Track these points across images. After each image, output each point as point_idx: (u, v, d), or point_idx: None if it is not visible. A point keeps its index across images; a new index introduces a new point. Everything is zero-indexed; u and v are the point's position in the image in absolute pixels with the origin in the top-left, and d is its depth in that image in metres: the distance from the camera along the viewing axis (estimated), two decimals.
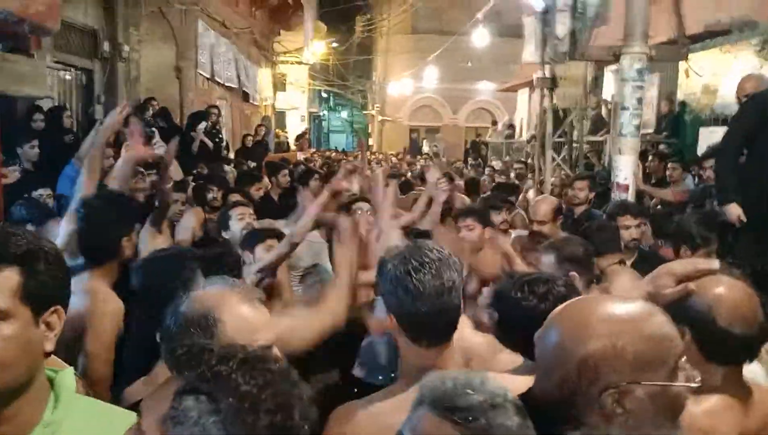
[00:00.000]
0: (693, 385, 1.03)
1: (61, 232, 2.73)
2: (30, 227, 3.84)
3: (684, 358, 1.05)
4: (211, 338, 1.32)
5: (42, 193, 4.49)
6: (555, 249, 2.75)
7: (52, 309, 1.15)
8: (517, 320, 1.72)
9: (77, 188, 2.99)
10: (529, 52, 7.83)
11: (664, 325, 1.05)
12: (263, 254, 3.23)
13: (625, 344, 1.00)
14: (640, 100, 5.24)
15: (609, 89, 11.14)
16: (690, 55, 7.69)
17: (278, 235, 3.13)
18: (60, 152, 5.66)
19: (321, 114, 30.67)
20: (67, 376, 1.22)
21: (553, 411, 1.06)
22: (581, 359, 1.02)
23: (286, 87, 20.34)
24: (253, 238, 3.12)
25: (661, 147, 8.83)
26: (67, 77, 7.28)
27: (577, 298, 1.26)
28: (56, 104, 6.49)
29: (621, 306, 1.07)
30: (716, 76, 8.60)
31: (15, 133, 5.01)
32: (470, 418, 0.99)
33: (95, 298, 2.28)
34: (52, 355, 1.76)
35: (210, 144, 8.72)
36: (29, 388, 1.12)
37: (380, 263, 1.54)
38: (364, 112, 29.40)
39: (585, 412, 1.02)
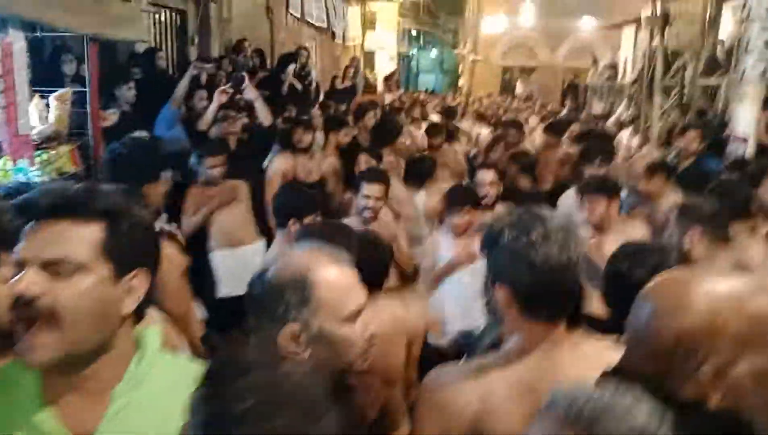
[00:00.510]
0: None
1: None
2: None
3: None
4: (304, 303, 1.28)
5: (138, 135, 4.59)
6: (680, 207, 2.61)
7: (134, 272, 1.14)
8: (625, 292, 1.60)
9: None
10: None
11: (766, 303, 1.00)
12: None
13: (726, 320, 0.98)
14: (767, 44, 4.69)
15: (726, 28, 10.15)
16: None
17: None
18: (156, 94, 5.79)
19: (410, 54, 30.06)
20: (152, 334, 1.23)
21: (645, 385, 0.98)
22: (680, 331, 0.99)
23: (376, 26, 19.96)
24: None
25: None
26: (162, 18, 7.37)
27: (676, 270, 1.17)
28: (151, 46, 6.60)
29: (724, 281, 1.05)
30: None
31: (114, 77, 5.14)
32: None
33: None
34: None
35: (299, 86, 8.68)
36: (109, 349, 1.13)
37: (490, 231, 1.40)
38: (455, 51, 28.52)
39: (679, 387, 1.00)
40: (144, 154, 2.63)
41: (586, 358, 1.35)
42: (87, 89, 3.80)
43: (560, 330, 1.39)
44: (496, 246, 1.37)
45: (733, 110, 4.86)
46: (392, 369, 2.04)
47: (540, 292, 1.34)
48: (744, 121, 4.69)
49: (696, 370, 0.98)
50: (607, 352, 1.41)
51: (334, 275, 1.32)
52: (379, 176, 3.55)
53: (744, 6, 4.84)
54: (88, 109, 3.84)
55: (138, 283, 1.14)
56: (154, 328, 1.24)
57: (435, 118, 9.41)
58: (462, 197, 3.49)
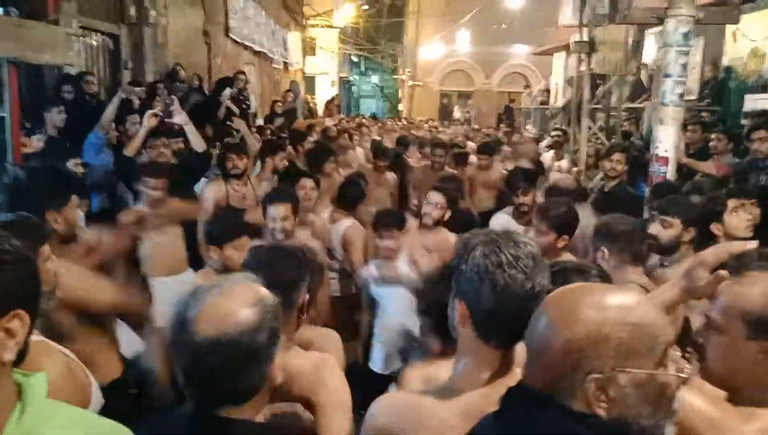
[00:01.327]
0: (682, 375, 1.03)
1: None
2: None
3: (673, 349, 1.04)
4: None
5: (72, 162, 4.45)
6: (597, 224, 2.67)
7: (13, 313, 1.02)
8: None
9: None
10: (567, 14, 7.49)
11: (650, 314, 1.04)
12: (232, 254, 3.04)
13: (609, 330, 0.99)
14: (684, 67, 4.94)
15: (650, 53, 10.67)
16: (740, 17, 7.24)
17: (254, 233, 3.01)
18: (84, 119, 5.61)
19: (351, 79, 30.31)
20: (38, 381, 1.09)
21: (541, 397, 1.05)
22: (566, 342, 1.01)
23: (316, 51, 20.07)
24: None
25: (703, 115, 8.43)
26: (93, 43, 7.19)
27: (569, 284, 1.18)
28: (81, 70, 6.42)
29: (610, 293, 1.07)
30: (767, 40, 8.14)
31: (40, 101, 4.97)
32: None
33: None
34: (44, 339, 1.71)
35: (237, 110, 8.60)
36: None
37: (463, 244, 1.38)
38: (395, 76, 28.94)
39: (570, 398, 1.02)
40: (47, 180, 2.49)
41: None
42: (6, 114, 3.65)
43: (507, 361, 1.38)
44: (464, 261, 1.35)
45: (654, 132, 5.07)
46: None
47: (496, 316, 1.32)
48: (665, 142, 4.90)
49: (583, 380, 0.99)
50: None
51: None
52: (283, 196, 3.49)
53: (663, 32, 5.09)
54: (7, 136, 3.68)
55: (17, 325, 1.03)
56: (39, 376, 1.11)
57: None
58: (387, 220, 3.53)
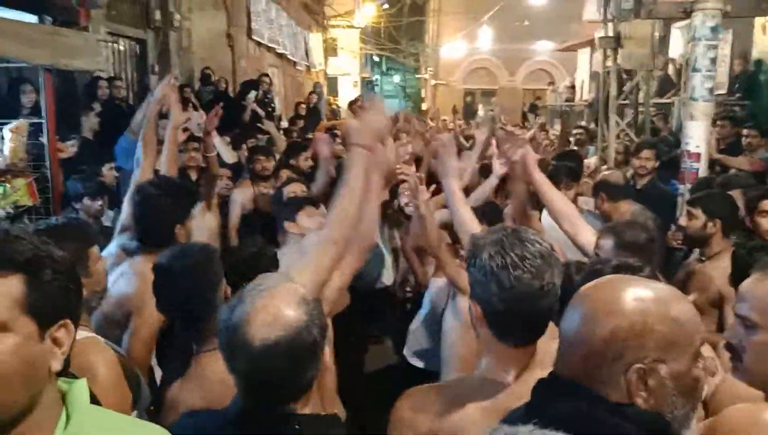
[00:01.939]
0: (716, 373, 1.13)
1: (123, 212, 2.76)
2: (86, 201, 3.90)
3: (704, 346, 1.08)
4: None
5: (107, 167, 4.53)
6: (614, 234, 2.52)
7: (60, 323, 1.05)
8: None
9: (136, 167, 3.01)
10: (591, 9, 7.41)
11: (689, 309, 1.06)
12: (306, 222, 3.20)
13: (653, 323, 1.02)
14: (713, 61, 4.86)
15: (677, 47, 10.52)
16: None
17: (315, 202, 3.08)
18: (116, 123, 5.72)
19: (373, 79, 30.36)
20: (80, 389, 1.11)
21: (576, 388, 1.07)
22: (610, 332, 1.03)
23: (338, 52, 20.15)
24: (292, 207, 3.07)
25: (733, 110, 8.29)
26: (121, 48, 7.33)
27: (608, 276, 1.22)
28: (110, 75, 6.55)
29: (652, 286, 1.09)
30: None
31: (73, 108, 5.08)
32: None
33: (145, 282, 2.26)
34: (95, 336, 1.76)
35: (262, 113, 8.69)
36: (34, 409, 1.02)
37: (473, 245, 1.41)
38: (417, 76, 28.92)
39: (605, 389, 1.03)
40: (175, 192, 2.59)
41: None
42: (43, 120, 3.74)
43: (529, 354, 1.39)
44: (475, 261, 1.38)
45: (685, 128, 5.00)
46: None
47: (508, 316, 1.34)
48: (695, 137, 4.83)
49: (624, 372, 1.01)
50: None
51: None
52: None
53: (690, 26, 5.02)
54: (45, 141, 3.77)
55: (64, 334, 1.05)
56: (80, 383, 1.13)
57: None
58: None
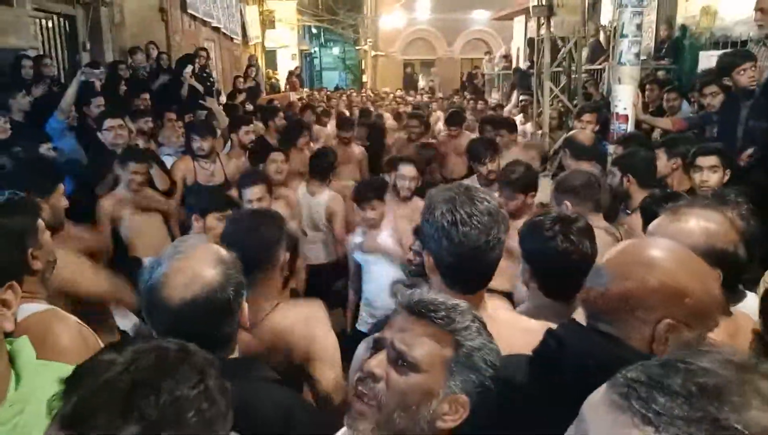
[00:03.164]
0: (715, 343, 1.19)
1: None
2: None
3: None
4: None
5: (44, 147, 4.41)
6: (555, 181, 2.82)
7: (6, 286, 1.09)
8: (557, 263, 1.83)
9: None
10: None
11: (720, 293, 1.19)
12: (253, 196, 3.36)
13: (695, 291, 1.13)
14: (639, 27, 5.10)
15: (607, 15, 10.85)
16: None
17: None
18: (46, 102, 5.55)
19: (312, 51, 29.97)
20: (24, 347, 1.14)
21: (596, 315, 1.19)
22: (659, 284, 1.13)
23: (275, 24, 19.80)
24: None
25: (660, 74, 8.66)
26: (50, 25, 7.05)
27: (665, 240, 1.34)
28: (39, 53, 6.30)
29: (700, 261, 1.21)
30: None
31: (1, 88, 4.90)
32: (434, 312, 1.14)
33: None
34: (53, 307, 1.79)
35: (200, 87, 8.53)
36: None
37: (428, 203, 1.52)
38: (357, 47, 28.72)
39: (629, 333, 1.14)
40: (33, 168, 2.53)
41: (504, 325, 1.49)
42: None
43: (478, 300, 1.52)
44: (428, 216, 1.50)
45: (613, 91, 5.24)
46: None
47: (457, 267, 1.47)
48: (624, 101, 5.08)
49: (656, 322, 1.13)
50: (521, 320, 1.60)
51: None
52: (254, 178, 3.60)
53: None
54: None
55: (11, 295, 1.08)
56: (21, 340, 1.15)
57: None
58: (367, 192, 3.62)
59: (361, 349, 1.59)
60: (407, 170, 4.03)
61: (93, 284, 2.30)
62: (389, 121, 8.93)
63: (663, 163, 3.64)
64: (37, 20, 6.36)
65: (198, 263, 1.34)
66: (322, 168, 4.54)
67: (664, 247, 1.21)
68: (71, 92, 5.09)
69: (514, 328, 1.51)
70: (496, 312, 1.57)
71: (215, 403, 0.79)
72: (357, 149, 6.22)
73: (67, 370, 1.18)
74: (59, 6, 7.18)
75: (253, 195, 3.45)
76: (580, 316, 1.56)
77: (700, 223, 1.57)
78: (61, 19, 7.33)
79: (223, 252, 1.40)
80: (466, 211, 1.44)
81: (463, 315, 1.17)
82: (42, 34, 6.76)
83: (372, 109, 10.50)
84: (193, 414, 0.75)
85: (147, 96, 6.88)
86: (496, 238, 1.45)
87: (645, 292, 1.14)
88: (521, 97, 9.09)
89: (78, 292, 2.31)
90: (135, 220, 3.91)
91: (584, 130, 4.65)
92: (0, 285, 1.07)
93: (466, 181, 4.60)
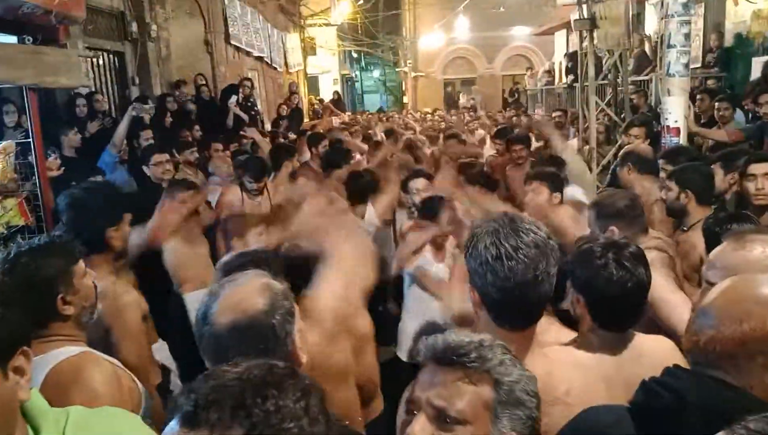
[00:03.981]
0: None
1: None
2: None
3: None
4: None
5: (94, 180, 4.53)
6: (595, 205, 2.70)
7: (18, 353, 1.05)
8: (612, 293, 1.70)
9: None
10: None
11: None
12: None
13: None
14: (687, 36, 4.95)
15: (652, 24, 10.63)
16: None
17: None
18: (96, 138, 5.74)
19: (353, 75, 30.33)
20: (34, 397, 1.11)
21: (707, 361, 1.09)
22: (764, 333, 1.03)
23: (316, 50, 20.12)
24: None
25: (710, 82, 8.40)
26: (100, 62, 7.31)
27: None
28: (91, 90, 6.54)
29: None
30: None
31: (53, 126, 5.08)
32: (464, 356, 1.08)
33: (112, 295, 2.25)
34: (90, 350, 1.79)
35: (245, 117, 8.70)
36: None
37: (471, 235, 1.45)
38: (397, 69, 28.93)
39: (748, 380, 1.04)
40: (104, 197, 2.56)
41: (557, 363, 1.44)
42: (30, 139, 3.75)
43: (528, 337, 1.45)
44: (472, 250, 1.43)
45: (663, 103, 5.09)
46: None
47: (503, 303, 1.40)
48: (674, 113, 4.92)
49: (763, 364, 1.02)
50: (574, 355, 1.52)
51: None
52: None
53: (662, 3, 5.10)
54: (34, 160, 3.78)
55: (24, 362, 1.05)
56: (32, 392, 1.12)
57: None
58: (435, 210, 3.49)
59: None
60: (419, 183, 3.99)
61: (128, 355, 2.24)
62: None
63: (720, 178, 3.47)
64: (89, 58, 6.60)
65: (244, 290, 1.35)
66: (358, 189, 4.50)
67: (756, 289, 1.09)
68: (123, 127, 5.25)
69: (568, 365, 1.43)
70: (549, 348, 1.50)
71: (317, 423, 0.83)
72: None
73: (74, 411, 1.19)
74: (108, 43, 7.44)
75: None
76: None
77: (766, 252, 1.46)
78: (111, 56, 7.59)
79: (273, 281, 1.40)
80: (511, 244, 1.36)
81: (493, 350, 1.11)
82: (93, 71, 7.01)
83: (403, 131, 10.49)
84: (294, 425, 0.80)
85: (198, 128, 7.07)
86: (544, 273, 1.37)
87: (765, 334, 1.03)
88: (554, 114, 8.93)
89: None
90: (179, 250, 3.93)
91: (641, 144, 4.51)
92: (13, 353, 1.03)
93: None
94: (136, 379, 1.92)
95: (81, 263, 1.88)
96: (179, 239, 3.93)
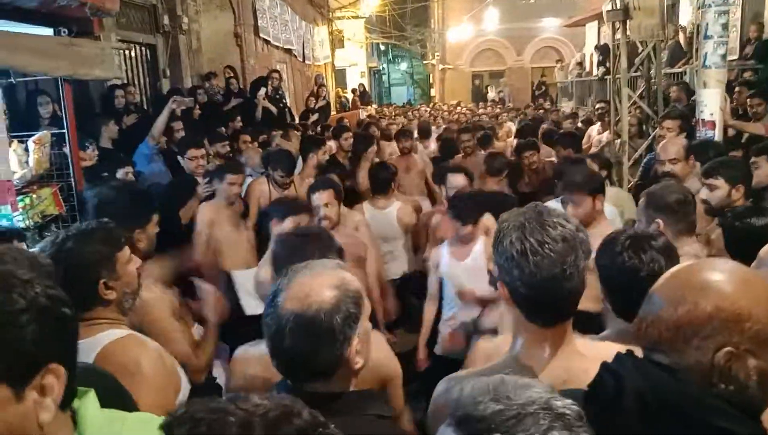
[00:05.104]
0: None
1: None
2: None
3: None
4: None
5: (123, 172, 4.60)
6: (647, 194, 2.65)
7: (42, 371, 0.93)
8: (624, 280, 1.73)
9: None
10: None
11: None
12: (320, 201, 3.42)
13: (758, 314, 1.02)
14: (724, 27, 4.83)
15: (686, 14, 10.38)
16: None
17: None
18: (133, 129, 5.83)
19: (381, 68, 30.30)
20: (88, 404, 1.05)
21: (651, 345, 1.10)
22: (714, 308, 1.03)
23: (344, 43, 20.14)
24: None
25: (746, 75, 8.18)
26: (132, 54, 7.40)
27: (725, 260, 1.23)
28: (123, 82, 6.63)
29: (762, 280, 1.11)
30: None
31: (88, 117, 5.17)
32: (487, 433, 0.85)
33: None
34: (133, 332, 1.82)
35: (274, 109, 8.75)
36: None
37: (498, 230, 1.42)
38: (425, 62, 28.82)
39: (687, 363, 1.05)
40: (131, 198, 2.58)
41: (595, 362, 1.40)
42: (65, 130, 3.82)
43: (561, 333, 1.42)
44: (499, 245, 1.40)
45: (698, 96, 4.97)
46: None
47: (532, 299, 1.37)
48: (710, 106, 4.81)
49: (714, 351, 1.03)
50: (611, 350, 1.48)
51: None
52: (325, 184, 3.63)
53: None
54: (68, 150, 3.85)
55: (52, 380, 0.94)
56: (88, 397, 1.07)
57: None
58: (468, 211, 3.46)
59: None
60: (458, 179, 3.95)
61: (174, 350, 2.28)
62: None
63: (765, 172, 3.35)
64: (122, 51, 6.70)
65: (318, 282, 1.34)
66: (381, 181, 4.53)
67: (721, 269, 1.10)
68: (162, 119, 5.31)
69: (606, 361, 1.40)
70: (585, 346, 1.46)
71: None
72: (419, 159, 6.17)
73: (130, 419, 1.17)
74: (141, 36, 7.53)
75: (320, 200, 3.51)
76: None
77: None
78: (143, 48, 7.68)
79: (349, 279, 1.39)
80: (537, 239, 1.33)
81: (535, 421, 0.85)
82: (125, 63, 7.10)
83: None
84: None
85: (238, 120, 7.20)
86: (573, 266, 1.33)
87: (699, 318, 1.04)
88: (597, 105, 8.79)
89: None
90: (226, 232, 4.05)
91: (676, 137, 4.38)
92: (35, 373, 0.93)
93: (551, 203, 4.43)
94: (176, 362, 1.96)
95: (126, 250, 1.92)
96: (225, 224, 4.07)
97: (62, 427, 1.00)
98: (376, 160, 5.89)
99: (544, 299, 1.36)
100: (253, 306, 3.72)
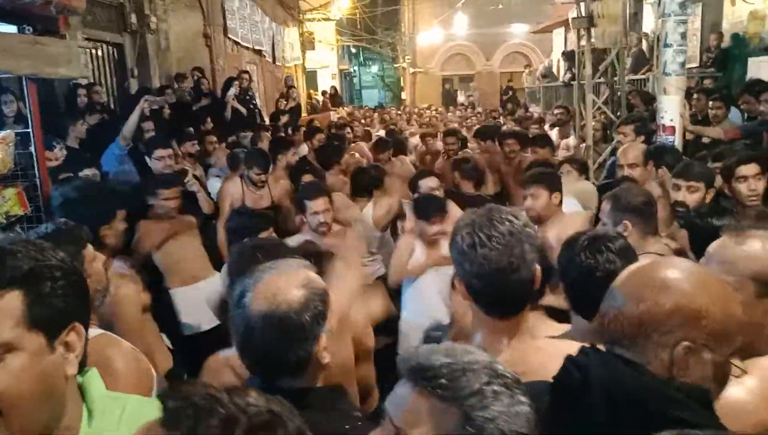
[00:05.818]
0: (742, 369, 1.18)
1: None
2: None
3: None
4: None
5: (88, 172, 4.54)
6: (612, 197, 2.72)
7: (68, 328, 1.05)
8: (581, 279, 1.79)
9: None
10: None
11: (739, 309, 1.14)
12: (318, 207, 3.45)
13: (714, 311, 1.09)
14: (683, 35, 4.99)
15: (649, 23, 10.65)
16: None
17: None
18: (99, 129, 5.75)
19: (351, 70, 30.31)
20: (94, 380, 1.13)
21: (612, 339, 1.15)
22: (674, 305, 1.09)
23: (315, 45, 20.11)
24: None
25: (706, 82, 8.43)
26: (99, 53, 7.31)
27: (680, 259, 1.30)
28: (90, 81, 6.54)
29: (719, 279, 1.19)
30: (766, 2, 8.13)
31: (53, 116, 5.10)
32: (434, 380, 0.98)
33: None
34: (105, 332, 1.82)
35: (243, 110, 8.71)
36: (62, 416, 1.04)
37: (454, 229, 1.51)
38: (396, 65, 28.91)
39: (647, 358, 1.10)
40: (96, 196, 2.59)
41: (554, 357, 1.46)
42: (30, 129, 3.76)
43: (516, 325, 1.48)
44: (452, 242, 1.48)
45: (659, 102, 5.12)
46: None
47: (485, 292, 1.44)
48: (670, 111, 4.96)
49: (672, 346, 1.09)
50: (571, 347, 1.54)
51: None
52: (319, 190, 3.64)
53: (660, 2, 5.13)
54: (33, 149, 3.79)
55: (75, 338, 1.05)
56: (91, 373, 1.15)
57: (381, 133, 9.58)
58: (430, 209, 3.53)
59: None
60: (429, 183, 4.04)
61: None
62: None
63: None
64: (88, 50, 6.61)
65: (285, 281, 1.36)
66: (364, 185, 4.56)
67: (681, 268, 1.16)
68: (134, 119, 5.20)
69: (562, 357, 1.46)
70: (543, 340, 1.52)
71: None
72: (402, 166, 6.24)
73: (131, 402, 1.21)
74: (108, 35, 7.43)
75: (319, 206, 3.52)
76: None
77: (766, 248, 1.49)
78: (110, 48, 7.59)
79: (313, 278, 1.41)
80: (485, 233, 1.41)
81: (476, 376, 0.97)
82: (92, 62, 7.01)
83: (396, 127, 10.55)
84: None
85: (209, 121, 7.15)
86: (520, 258, 1.41)
87: (659, 314, 1.10)
88: (556, 112, 8.96)
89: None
90: (168, 250, 3.91)
91: (634, 142, 4.52)
92: (63, 328, 1.03)
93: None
94: (148, 362, 1.96)
95: (89, 248, 1.92)
96: (166, 239, 3.92)
97: (74, 395, 1.08)
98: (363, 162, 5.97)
99: (495, 290, 1.43)
100: (194, 325, 3.71)
